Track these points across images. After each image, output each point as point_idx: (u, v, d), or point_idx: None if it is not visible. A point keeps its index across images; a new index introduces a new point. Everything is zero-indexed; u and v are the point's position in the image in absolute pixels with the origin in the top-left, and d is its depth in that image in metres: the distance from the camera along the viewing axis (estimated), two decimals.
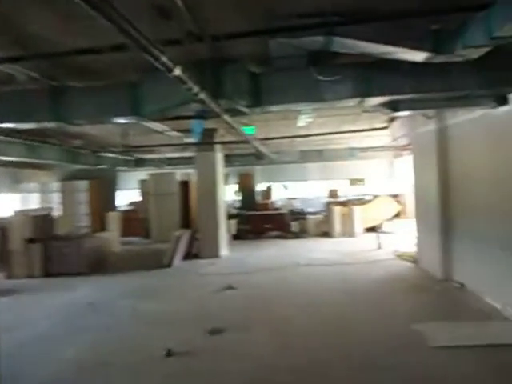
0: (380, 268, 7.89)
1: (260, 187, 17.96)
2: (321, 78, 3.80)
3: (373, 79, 4.27)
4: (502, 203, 5.13)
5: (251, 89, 4.43)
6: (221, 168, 10.28)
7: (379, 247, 9.93)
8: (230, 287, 6.76)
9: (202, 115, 5.63)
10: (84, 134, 9.18)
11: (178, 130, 9.26)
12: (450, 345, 4.00)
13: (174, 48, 3.46)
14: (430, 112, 6.47)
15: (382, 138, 12.75)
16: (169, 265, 8.79)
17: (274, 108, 4.78)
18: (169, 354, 4.07)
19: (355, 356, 4.00)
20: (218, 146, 9.93)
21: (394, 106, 4.73)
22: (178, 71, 3.08)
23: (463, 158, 6.09)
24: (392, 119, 8.11)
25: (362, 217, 12.42)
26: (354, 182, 15.82)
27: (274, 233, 12.94)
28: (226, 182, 17.76)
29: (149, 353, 4.23)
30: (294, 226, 12.54)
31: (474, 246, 5.86)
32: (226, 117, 5.16)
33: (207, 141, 9.49)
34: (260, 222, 12.78)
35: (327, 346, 4.30)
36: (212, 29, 3.47)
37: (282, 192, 19.18)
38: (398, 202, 13.41)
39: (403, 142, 9.22)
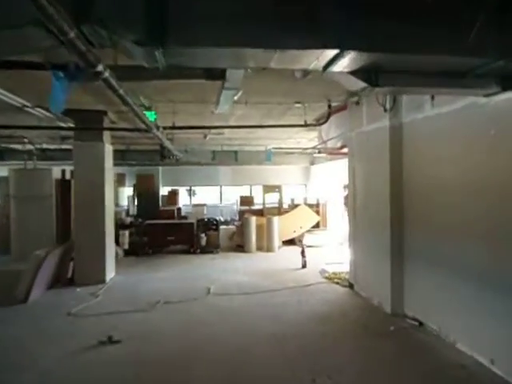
0: (312, 296, 6.36)
1: (164, 191, 15.58)
2: None
3: (355, 23, 2.60)
4: (476, 221, 3.94)
5: (147, 13, 2.41)
6: (110, 165, 7.84)
7: (304, 265, 8.50)
8: (110, 339, 4.51)
9: (63, 68, 3.37)
10: None
11: (46, 108, 6.62)
12: None
13: None
14: (389, 103, 5.15)
15: (304, 140, 11.60)
16: (24, 299, 6.09)
17: (188, 60, 2.82)
18: None
19: None
20: (106, 136, 7.49)
21: (372, 77, 3.15)
22: None
23: (426, 162, 4.84)
24: (328, 115, 6.71)
25: (279, 228, 10.98)
26: (268, 189, 14.50)
27: (179, 246, 10.77)
28: (121, 184, 15.04)
29: None
30: (204, 238, 10.54)
31: (435, 272, 4.63)
32: (106, 72, 3.02)
33: (92, 126, 7.03)
34: (161, 233, 10.50)
35: None
36: None
37: (190, 198, 17.06)
38: (317, 212, 12.35)
39: (334, 144, 7.98)
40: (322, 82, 5.67)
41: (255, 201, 15.12)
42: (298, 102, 6.58)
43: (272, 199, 15.00)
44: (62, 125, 7.38)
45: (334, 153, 8.56)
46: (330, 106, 6.62)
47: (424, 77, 3.32)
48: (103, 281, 7.23)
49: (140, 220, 11.23)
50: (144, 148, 12.57)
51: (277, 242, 10.80)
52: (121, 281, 7.52)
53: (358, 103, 6.36)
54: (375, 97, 5.18)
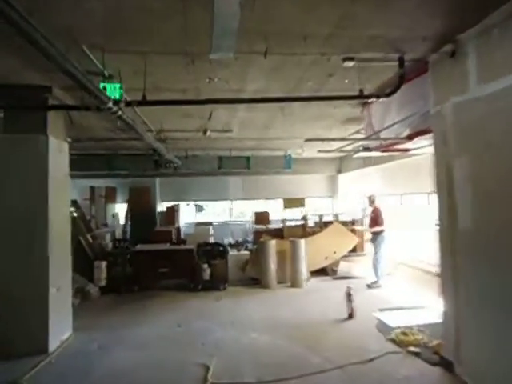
0: None
1: (162, 207, 13.05)
2: None
3: None
4: None
5: None
6: (64, 169, 5.32)
7: (351, 315, 5.76)
8: None
9: None
10: None
11: None
12: None
13: None
14: None
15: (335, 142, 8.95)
16: None
17: None
18: None
19: None
20: (54, 127, 4.99)
21: None
22: None
23: None
24: (401, 79, 4.09)
25: (307, 255, 8.26)
26: (290, 203, 11.87)
27: (175, 281, 8.13)
28: (111, 199, 12.57)
29: None
30: (207, 270, 7.88)
31: None
32: None
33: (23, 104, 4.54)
34: (151, 263, 7.89)
35: None
36: None
37: (195, 214, 14.49)
38: (352, 231, 9.58)
39: (396, 133, 5.31)
40: (399, 11, 3.14)
41: (271, 217, 12.43)
42: (350, 59, 3.96)
43: (292, 215, 12.31)
44: None
45: (392, 149, 5.90)
46: (402, 63, 4.01)
47: None
48: (44, 350, 4.61)
49: (126, 245, 8.65)
50: (136, 152, 10.06)
51: (305, 274, 8.08)
52: (74, 348, 4.87)
53: (453, 54, 3.73)
54: None
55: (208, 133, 7.02)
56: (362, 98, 4.18)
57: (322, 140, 6.70)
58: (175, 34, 3.30)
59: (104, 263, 7.57)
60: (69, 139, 7.01)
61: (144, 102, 3.85)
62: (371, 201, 8.34)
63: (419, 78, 4.53)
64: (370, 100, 4.99)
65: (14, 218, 4.63)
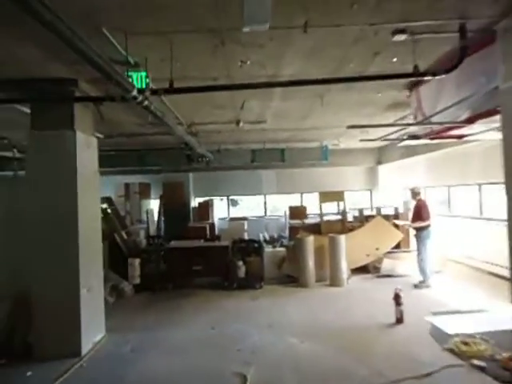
0: None
1: (195, 203, 12.89)
2: None
3: None
4: None
5: None
6: (93, 165, 5.11)
7: (400, 319, 5.24)
8: None
9: None
10: None
11: None
12: None
13: None
14: None
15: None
16: None
17: None
18: None
19: None
20: (82, 122, 4.79)
21: None
22: None
23: None
24: (463, 52, 3.53)
25: (347, 251, 7.75)
26: (327, 197, 11.34)
27: (209, 279, 7.88)
28: (145, 195, 12.56)
29: None
30: (242, 268, 7.57)
31: None
32: None
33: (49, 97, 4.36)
34: (185, 260, 7.68)
35: None
36: None
37: (228, 209, 14.25)
38: (396, 226, 8.92)
39: (452, 117, 4.71)
40: None
41: (307, 212, 11.96)
42: (402, 31, 3.44)
43: (329, 209, 11.76)
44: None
45: (444, 136, 5.27)
46: (464, 33, 3.45)
47: None
48: (77, 353, 4.46)
49: (160, 242, 8.49)
50: (167, 147, 9.85)
51: (345, 272, 7.58)
52: (107, 351, 4.69)
53: None
54: None
55: (241, 124, 6.66)
56: (416, 76, 3.65)
57: (367, 127, 6.12)
58: (204, 9, 2.93)
59: (137, 261, 7.43)
60: (100, 135, 6.92)
61: (171, 90, 3.53)
62: (415, 193, 7.59)
63: (480, 52, 3.92)
64: (424, 79, 4.39)
65: (42, 217, 4.49)
